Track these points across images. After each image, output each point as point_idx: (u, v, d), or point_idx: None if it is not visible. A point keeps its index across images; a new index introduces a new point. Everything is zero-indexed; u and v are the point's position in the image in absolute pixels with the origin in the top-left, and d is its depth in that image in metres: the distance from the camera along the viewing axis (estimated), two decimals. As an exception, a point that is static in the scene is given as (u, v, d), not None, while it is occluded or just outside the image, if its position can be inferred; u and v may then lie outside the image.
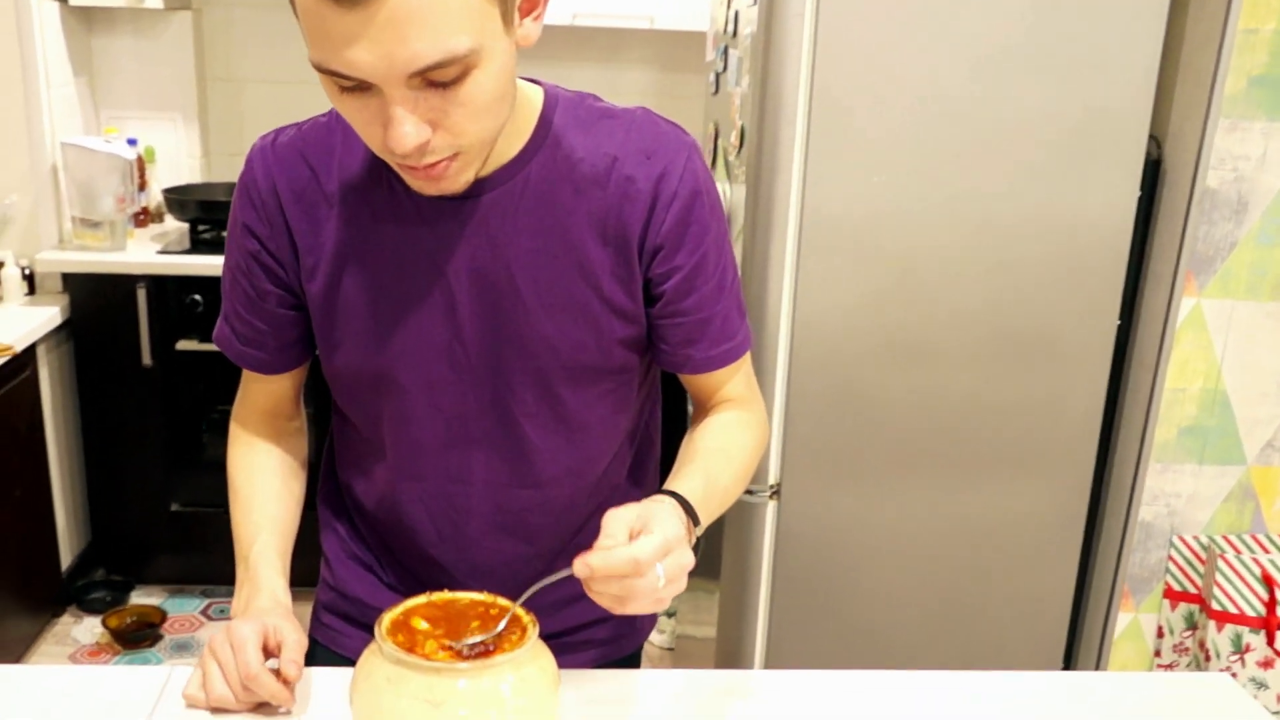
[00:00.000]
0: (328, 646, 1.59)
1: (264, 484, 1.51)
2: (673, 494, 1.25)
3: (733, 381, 1.46)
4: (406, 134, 1.10)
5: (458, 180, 1.21)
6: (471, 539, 1.47)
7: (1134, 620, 2.75)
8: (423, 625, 1.17)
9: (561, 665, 1.44)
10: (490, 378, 1.37)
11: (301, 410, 1.59)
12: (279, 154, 1.36)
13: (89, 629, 3.69)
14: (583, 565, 1.11)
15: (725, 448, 1.41)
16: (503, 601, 1.19)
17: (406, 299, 1.34)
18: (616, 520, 1.16)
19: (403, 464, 1.45)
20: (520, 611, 1.17)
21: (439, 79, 1.09)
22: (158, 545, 3.93)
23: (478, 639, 1.14)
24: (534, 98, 1.33)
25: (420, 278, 1.33)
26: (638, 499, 1.22)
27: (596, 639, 1.58)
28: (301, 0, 1.07)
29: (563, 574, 1.15)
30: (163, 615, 3.71)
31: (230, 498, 1.51)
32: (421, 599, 1.19)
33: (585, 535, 1.47)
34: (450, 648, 1.13)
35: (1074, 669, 2.70)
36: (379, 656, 1.10)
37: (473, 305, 1.33)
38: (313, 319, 1.40)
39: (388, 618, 1.14)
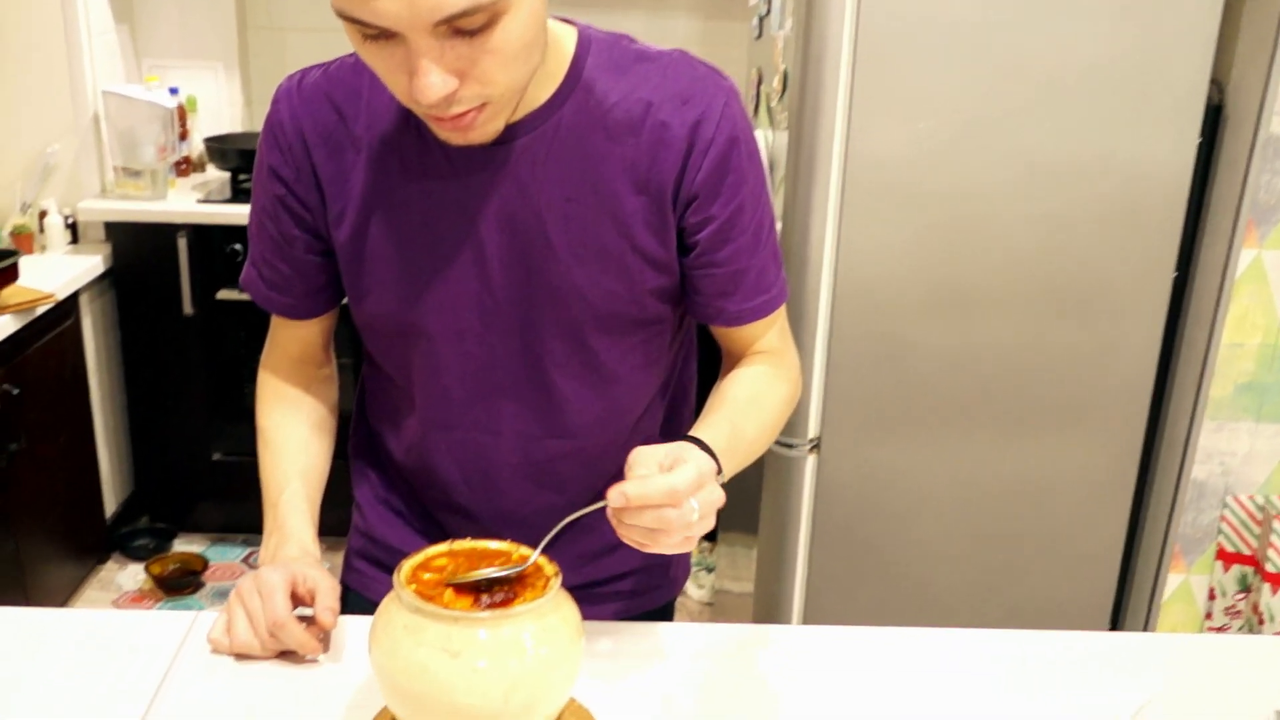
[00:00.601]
0: (359, 592, 1.58)
1: (293, 432, 1.49)
2: (697, 440, 1.21)
3: (767, 335, 1.42)
4: (432, 85, 1.07)
5: (486, 130, 1.17)
6: (501, 489, 1.44)
7: (1184, 582, 2.69)
8: (444, 563, 1.14)
9: (588, 617, 1.41)
10: (520, 328, 1.34)
11: (332, 357, 1.57)
12: (305, 95, 1.32)
13: (132, 575, 3.71)
14: (618, 494, 1.08)
15: (755, 398, 1.37)
16: (525, 550, 1.15)
17: (435, 247, 1.30)
18: (646, 454, 1.13)
19: (432, 413, 1.42)
20: (543, 560, 1.13)
21: (466, 26, 1.05)
22: (200, 494, 3.94)
23: (493, 571, 1.10)
24: (566, 39, 1.28)
25: (449, 225, 1.29)
26: None
27: (624, 591, 1.55)
28: None
29: (596, 506, 1.12)
30: (204, 563, 3.73)
31: (259, 445, 1.49)
32: (442, 547, 1.15)
33: None
34: (464, 588, 1.09)
35: (1122, 629, 2.66)
36: (397, 604, 1.07)
37: (502, 254, 1.29)
38: (340, 265, 1.37)
39: (407, 565, 1.11)
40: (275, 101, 1.35)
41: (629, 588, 1.55)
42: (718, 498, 1.13)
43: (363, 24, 1.05)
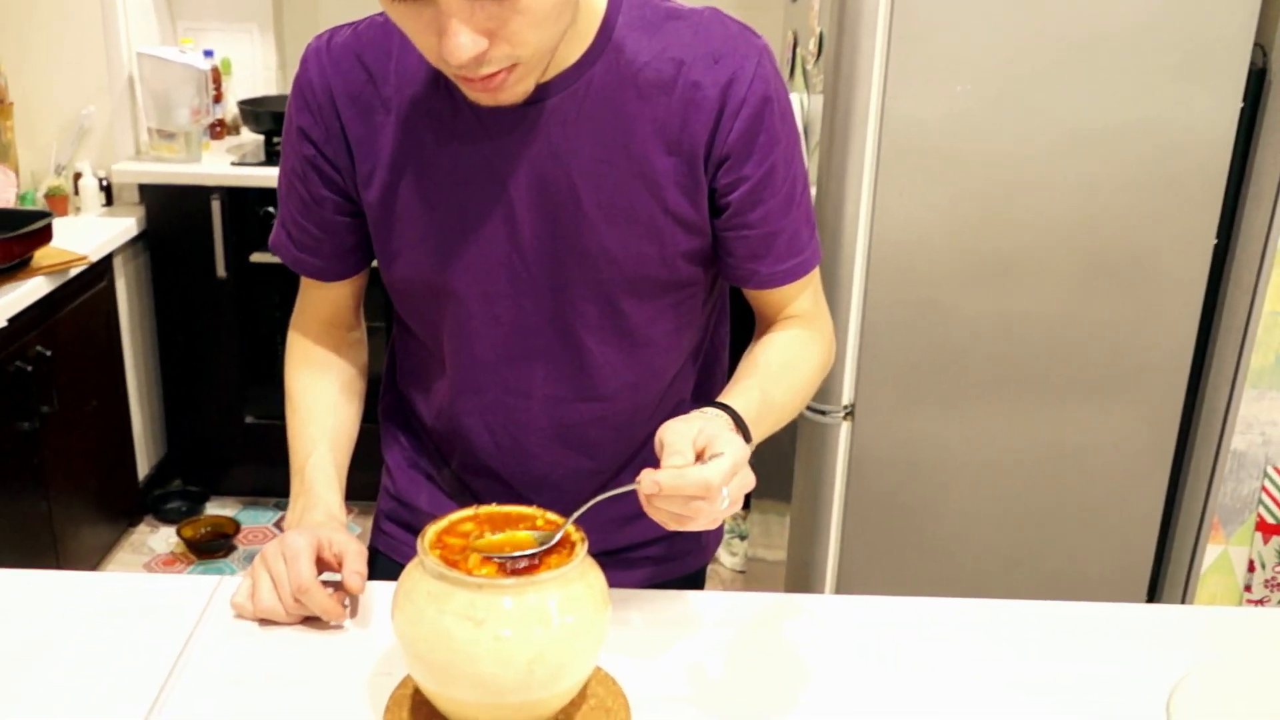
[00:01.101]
0: (388, 555, 1.57)
1: (322, 395, 1.48)
2: (726, 408, 1.20)
3: (800, 298, 1.40)
4: (462, 45, 1.05)
5: (516, 90, 1.16)
6: (531, 452, 1.43)
7: (1223, 553, 2.66)
8: (470, 529, 1.12)
9: (617, 583, 1.40)
10: (550, 290, 1.32)
11: (361, 321, 1.56)
12: (334, 55, 1.31)
13: (164, 539, 3.73)
14: (652, 483, 1.06)
15: (787, 364, 1.36)
16: (551, 516, 1.14)
17: (465, 209, 1.29)
18: (679, 436, 1.11)
19: (462, 376, 1.41)
20: (570, 527, 1.11)
21: None
22: (233, 457, 3.95)
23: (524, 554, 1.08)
24: None
25: (479, 187, 1.28)
26: None
27: (655, 556, 1.54)
28: None
29: (627, 489, 1.10)
30: (236, 526, 3.74)
31: (287, 408, 1.48)
32: (468, 512, 1.14)
33: (648, 450, 1.40)
34: (494, 560, 1.07)
35: (1159, 601, 2.63)
36: (421, 571, 1.05)
37: (533, 216, 1.28)
38: (370, 227, 1.36)
39: (431, 530, 1.10)
40: (304, 61, 1.33)
41: (660, 553, 1.54)
42: (749, 483, 1.11)
43: None
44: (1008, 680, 1.24)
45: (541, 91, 1.23)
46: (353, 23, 1.33)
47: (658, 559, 1.55)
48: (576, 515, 1.11)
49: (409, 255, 1.34)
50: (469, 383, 1.41)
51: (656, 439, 1.13)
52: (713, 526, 1.12)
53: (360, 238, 1.40)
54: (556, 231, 1.28)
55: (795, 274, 1.36)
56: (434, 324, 1.40)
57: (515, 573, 1.05)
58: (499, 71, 1.11)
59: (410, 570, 1.07)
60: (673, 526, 1.11)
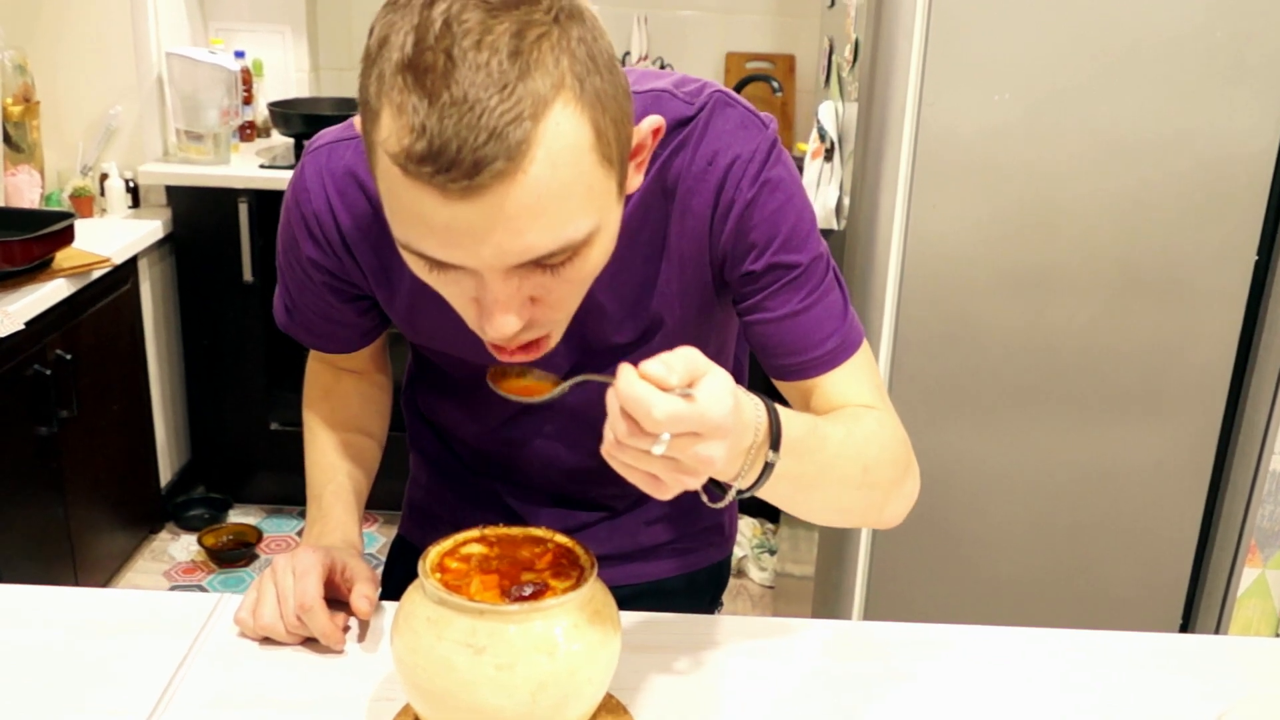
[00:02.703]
0: (414, 543, 1.56)
1: (343, 427, 1.47)
2: (768, 401, 1.04)
3: (840, 389, 1.23)
4: (507, 323, 0.98)
5: (542, 353, 1.09)
6: (560, 475, 1.42)
7: (1260, 576, 2.60)
8: (476, 550, 1.08)
9: (647, 576, 1.34)
10: (573, 371, 1.27)
11: (388, 366, 1.54)
12: (338, 183, 1.23)
13: (185, 546, 3.70)
14: (626, 368, 0.88)
15: (840, 420, 1.19)
16: (560, 538, 1.09)
17: None
18: (676, 354, 0.90)
19: (481, 423, 1.41)
20: (580, 550, 1.07)
21: (550, 262, 0.96)
22: (257, 464, 3.92)
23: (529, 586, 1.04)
24: None
25: None
26: None
27: (686, 548, 1.52)
28: (386, 172, 0.92)
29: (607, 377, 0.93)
30: (259, 535, 3.70)
31: (306, 438, 1.47)
32: (474, 532, 1.09)
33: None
34: (493, 577, 1.03)
35: (1194, 624, 2.58)
36: (421, 594, 1.01)
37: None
38: (396, 324, 1.34)
39: (434, 552, 1.05)
40: (304, 179, 1.25)
41: (688, 546, 1.52)
42: (709, 455, 0.90)
43: (432, 260, 0.95)
44: (1041, 712, 1.19)
45: None
46: (352, 136, 1.24)
47: (682, 551, 1.52)
48: (560, 390, 1.02)
49: (442, 346, 1.32)
50: (481, 425, 1.41)
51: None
52: (653, 490, 0.94)
53: (381, 319, 1.37)
54: (584, 335, 1.24)
55: (826, 363, 1.22)
56: (467, 387, 1.37)
57: (520, 599, 1.00)
58: (533, 341, 1.05)
59: (410, 593, 1.02)
60: (607, 455, 0.93)
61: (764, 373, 1.28)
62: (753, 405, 0.98)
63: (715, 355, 1.33)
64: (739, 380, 1.45)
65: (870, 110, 2.19)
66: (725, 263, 1.20)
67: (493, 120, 0.85)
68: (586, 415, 1.32)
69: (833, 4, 2.67)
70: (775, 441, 1.01)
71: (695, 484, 0.93)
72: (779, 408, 1.03)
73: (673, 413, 0.86)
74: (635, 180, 1.05)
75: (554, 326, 1.06)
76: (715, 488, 1.01)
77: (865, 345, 1.25)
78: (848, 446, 1.13)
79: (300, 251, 1.27)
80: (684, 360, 0.89)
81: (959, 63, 2.13)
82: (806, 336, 1.20)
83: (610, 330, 1.24)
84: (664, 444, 0.86)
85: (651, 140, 1.06)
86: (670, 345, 1.12)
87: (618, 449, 0.90)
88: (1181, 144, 2.17)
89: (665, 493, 0.93)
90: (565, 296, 1.02)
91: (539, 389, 1.04)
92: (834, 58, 2.61)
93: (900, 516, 1.25)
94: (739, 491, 1.01)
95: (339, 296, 1.30)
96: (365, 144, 0.95)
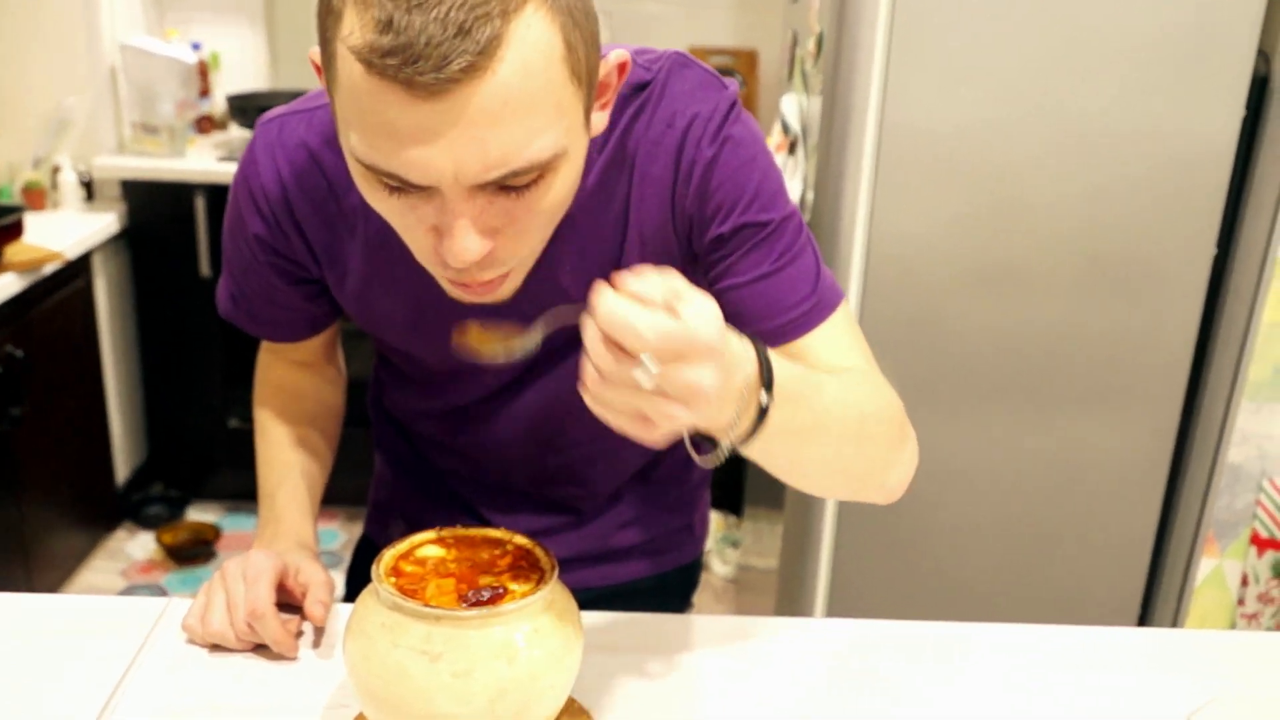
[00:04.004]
0: (378, 544, 1.52)
1: (295, 426, 1.43)
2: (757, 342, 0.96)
3: (821, 350, 1.18)
4: (468, 248, 0.94)
5: (503, 291, 1.06)
6: (522, 470, 1.41)
7: (1217, 566, 2.62)
8: (433, 553, 1.06)
9: (617, 579, 1.32)
10: (539, 372, 1.27)
11: (339, 358, 1.51)
12: (289, 155, 1.19)
13: (142, 545, 3.66)
14: (603, 288, 0.82)
15: (830, 374, 1.13)
16: (520, 539, 1.07)
17: (447, 315, 1.16)
18: (660, 276, 0.83)
19: (452, 418, 1.37)
20: (540, 551, 1.05)
21: (514, 184, 0.93)
22: (215, 461, 3.88)
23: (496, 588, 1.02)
24: None
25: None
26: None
27: (656, 549, 1.50)
28: (349, 75, 0.88)
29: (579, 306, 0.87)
30: (217, 532, 3.67)
31: (256, 436, 1.43)
32: (430, 534, 1.07)
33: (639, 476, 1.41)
34: (449, 580, 1.01)
35: (1152, 614, 2.60)
36: (375, 599, 0.98)
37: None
38: (346, 311, 1.30)
39: (389, 555, 1.03)
40: (253, 159, 1.21)
41: (654, 548, 1.49)
42: (697, 381, 0.80)
43: (393, 178, 0.92)
44: (1019, 707, 1.19)
45: None
46: (305, 108, 1.20)
47: (651, 553, 1.49)
48: (534, 339, 0.95)
49: (394, 338, 1.29)
50: (449, 423, 1.38)
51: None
52: (646, 432, 0.85)
53: (330, 307, 1.33)
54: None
55: (802, 325, 1.17)
56: (413, 374, 1.36)
57: (477, 603, 0.98)
58: (495, 278, 1.02)
59: (364, 598, 1.00)
60: (587, 396, 0.85)
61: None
62: (739, 342, 0.90)
63: None
64: None
65: (834, 104, 2.18)
66: (692, 229, 1.17)
67: (462, 15, 0.84)
68: (548, 409, 1.31)
69: (794, -3, 2.66)
70: (767, 384, 0.92)
71: (687, 418, 0.83)
72: (769, 350, 0.96)
73: (661, 329, 0.78)
74: (600, 121, 1.03)
75: (516, 263, 1.03)
76: (706, 443, 0.94)
77: (846, 306, 1.20)
78: (844, 393, 1.07)
79: (246, 229, 1.23)
80: (662, 279, 0.82)
81: (923, 57, 2.12)
82: (781, 299, 1.15)
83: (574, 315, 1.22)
84: (651, 374, 0.79)
85: (617, 78, 1.03)
86: None
87: (601, 385, 0.82)
88: (1141, 140, 2.17)
89: (653, 432, 0.84)
90: (528, 229, 0.99)
91: (509, 340, 0.96)
92: (797, 51, 2.60)
93: (903, 485, 1.21)
94: (731, 446, 0.93)
95: (285, 278, 1.26)
96: (324, 54, 0.93)
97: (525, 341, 0.94)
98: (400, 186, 0.92)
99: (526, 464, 1.38)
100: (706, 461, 0.94)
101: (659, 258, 1.18)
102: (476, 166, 0.89)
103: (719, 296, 1.15)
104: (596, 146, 1.14)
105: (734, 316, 1.15)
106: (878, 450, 1.14)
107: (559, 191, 0.97)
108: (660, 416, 0.82)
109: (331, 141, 1.17)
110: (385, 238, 1.15)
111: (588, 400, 0.85)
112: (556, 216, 1.01)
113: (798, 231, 1.18)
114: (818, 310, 1.17)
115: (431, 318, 1.22)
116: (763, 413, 0.92)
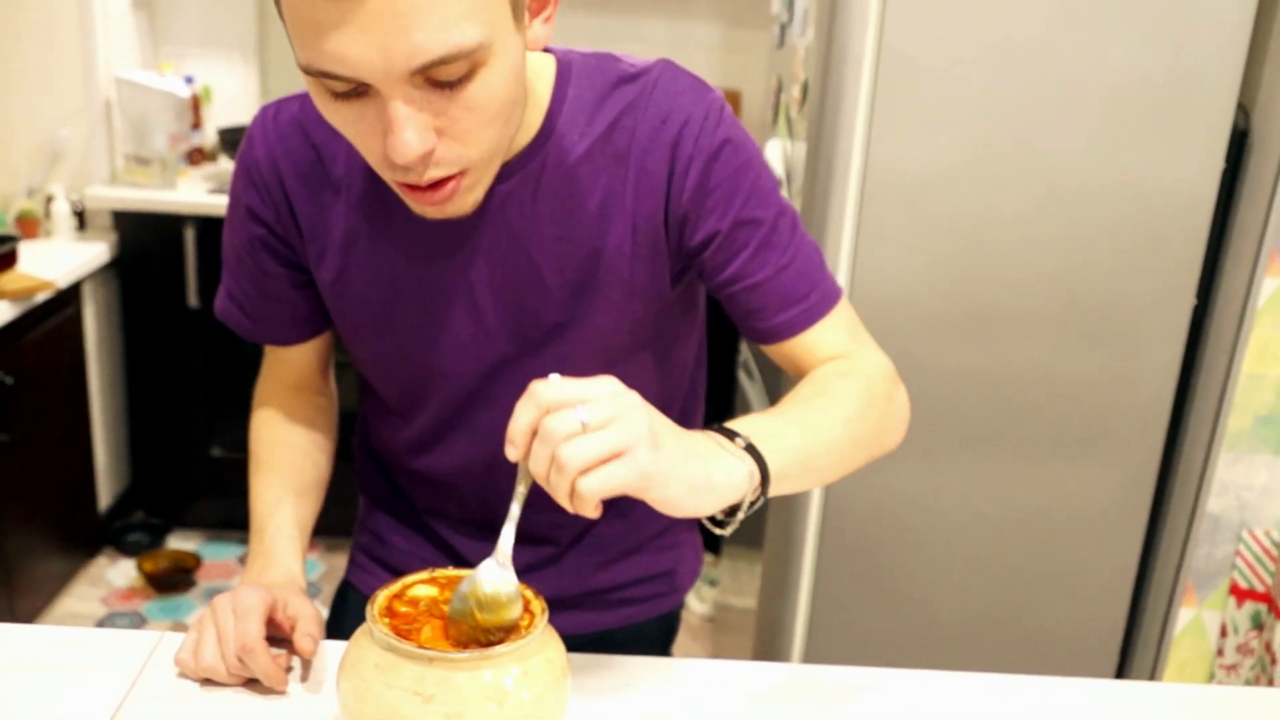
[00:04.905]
0: (361, 590, 1.55)
1: (287, 458, 1.45)
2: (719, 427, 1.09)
3: (822, 344, 1.28)
4: (408, 141, 0.99)
5: (465, 201, 1.11)
6: (501, 497, 1.40)
7: (1196, 616, 2.63)
8: (425, 592, 1.08)
9: (599, 625, 1.34)
10: (519, 363, 1.29)
11: (330, 383, 1.54)
12: (281, 131, 1.27)
13: (123, 572, 3.66)
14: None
15: (817, 395, 1.22)
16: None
17: (423, 290, 1.25)
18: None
19: (426, 437, 1.39)
20: (530, 594, 1.07)
21: (444, 77, 0.98)
22: (197, 489, 3.89)
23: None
24: (546, 71, 1.22)
25: (437, 268, 1.24)
26: None
27: (635, 597, 1.52)
28: None
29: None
30: (198, 561, 3.67)
31: (250, 467, 1.45)
32: (423, 574, 1.09)
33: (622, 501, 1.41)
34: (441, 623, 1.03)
35: (1131, 663, 2.60)
36: (369, 640, 1.00)
37: (494, 297, 1.25)
38: (325, 303, 1.33)
39: (382, 595, 1.05)
40: (250, 136, 1.29)
41: (642, 594, 1.52)
42: (623, 414, 0.97)
43: (332, 77, 0.97)
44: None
45: (495, 176, 1.19)
46: (301, 93, 1.27)
47: (640, 599, 1.52)
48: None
49: (368, 332, 1.31)
50: (432, 443, 1.39)
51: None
52: (582, 489, 0.97)
53: (317, 305, 1.37)
54: (519, 309, 1.25)
55: (802, 321, 1.26)
56: (395, 389, 1.38)
57: (470, 645, 1.00)
58: (448, 179, 1.06)
59: (358, 638, 1.02)
60: (549, 484, 1.00)
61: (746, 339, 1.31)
62: (735, 455, 1.05)
63: (661, 362, 1.35)
64: (694, 403, 1.47)
65: (819, 150, 2.20)
66: (685, 224, 1.21)
67: None
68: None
69: (781, 44, 2.69)
70: (764, 478, 1.07)
71: (623, 475, 0.96)
72: (758, 450, 1.07)
73: (548, 391, 0.97)
74: (541, 32, 1.08)
75: (466, 165, 1.06)
76: (715, 523, 1.08)
77: (845, 300, 1.31)
78: (826, 414, 1.19)
79: (241, 204, 1.29)
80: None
81: (906, 106, 2.14)
82: (787, 296, 1.24)
83: (548, 306, 1.25)
84: (589, 420, 0.95)
85: None
86: (607, 328, 1.17)
87: (545, 449, 0.96)
88: (1122, 190, 2.19)
89: (583, 505, 0.97)
90: (470, 128, 1.03)
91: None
92: (782, 96, 2.63)
93: (901, 434, 1.37)
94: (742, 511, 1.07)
95: (276, 259, 1.31)
96: None
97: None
98: (345, 92, 0.99)
99: (503, 483, 1.39)
100: (718, 529, 1.08)
101: (645, 247, 1.23)
102: (401, 57, 0.94)
103: (731, 299, 1.25)
104: (580, 125, 1.20)
105: (745, 314, 1.25)
106: (869, 435, 1.26)
107: (495, 89, 1.02)
108: (585, 450, 0.95)
109: (321, 120, 1.23)
110: (366, 209, 1.22)
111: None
112: (497, 121, 1.05)
113: (794, 227, 1.25)
114: (822, 303, 1.27)
115: (402, 307, 1.26)
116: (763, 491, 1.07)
